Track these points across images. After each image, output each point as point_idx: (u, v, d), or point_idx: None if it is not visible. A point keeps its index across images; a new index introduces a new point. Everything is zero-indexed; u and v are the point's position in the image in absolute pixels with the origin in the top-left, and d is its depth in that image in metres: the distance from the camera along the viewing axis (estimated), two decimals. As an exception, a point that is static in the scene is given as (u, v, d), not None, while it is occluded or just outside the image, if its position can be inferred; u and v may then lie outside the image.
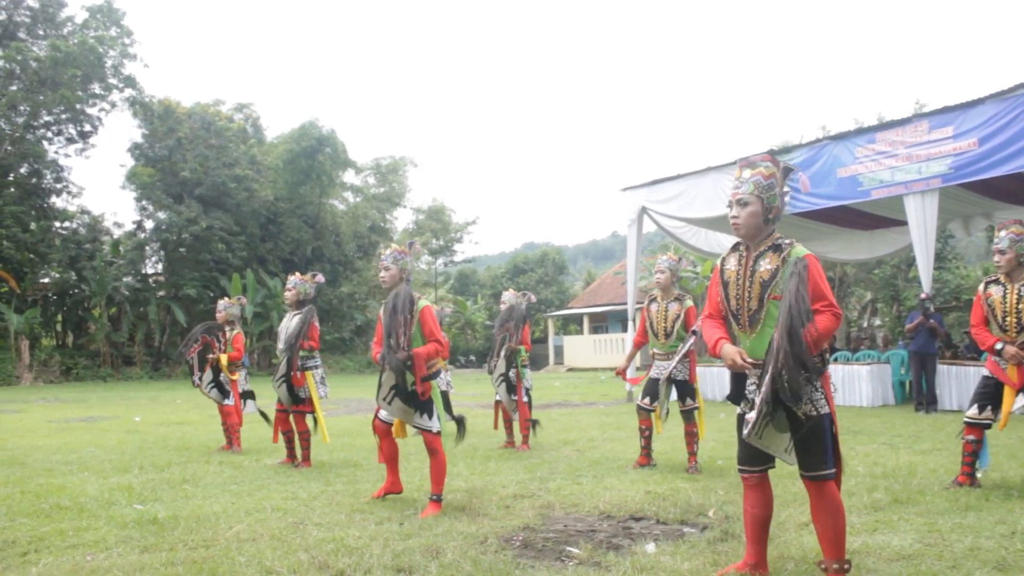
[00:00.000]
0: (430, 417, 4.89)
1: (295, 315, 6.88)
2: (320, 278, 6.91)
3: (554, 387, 19.92)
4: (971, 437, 5.19)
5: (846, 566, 3.03)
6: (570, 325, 38.78)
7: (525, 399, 7.91)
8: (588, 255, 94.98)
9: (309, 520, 4.50)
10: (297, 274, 7.01)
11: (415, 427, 4.99)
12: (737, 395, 3.36)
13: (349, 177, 37.34)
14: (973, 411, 5.26)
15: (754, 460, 3.28)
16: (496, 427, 8.56)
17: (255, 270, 29.86)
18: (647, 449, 6.46)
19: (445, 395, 5.10)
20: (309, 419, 6.86)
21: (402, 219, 49.96)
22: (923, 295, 11.08)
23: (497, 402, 8.28)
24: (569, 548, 3.80)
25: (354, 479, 5.93)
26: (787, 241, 3.18)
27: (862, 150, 11.24)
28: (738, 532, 4.03)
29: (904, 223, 11.19)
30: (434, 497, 4.86)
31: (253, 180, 30.78)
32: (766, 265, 3.14)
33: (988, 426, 5.20)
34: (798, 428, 3.07)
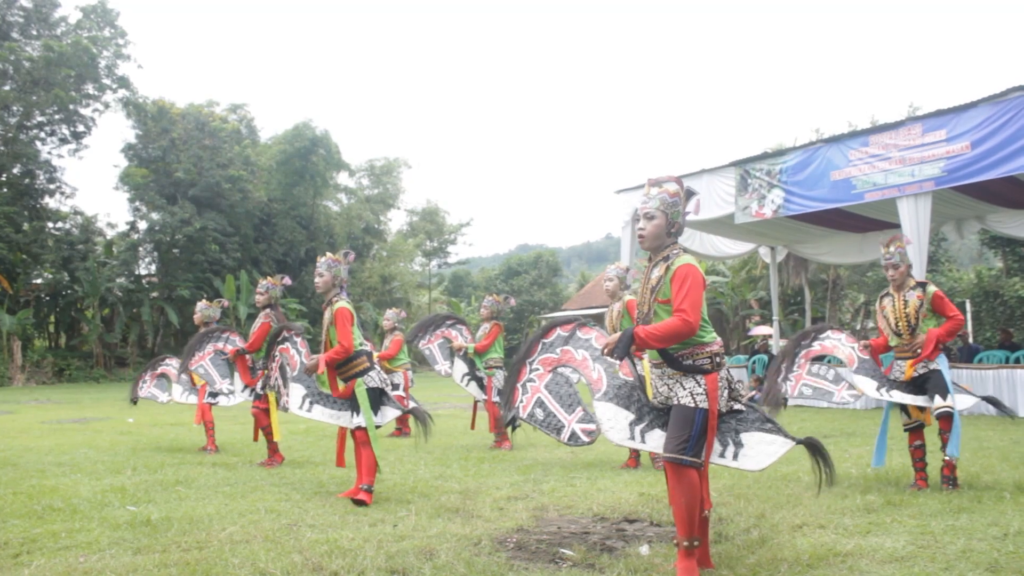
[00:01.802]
0: (357, 414, 5.11)
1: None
2: (287, 280, 7.02)
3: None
4: (918, 443, 5.36)
5: (695, 543, 3.25)
6: (564, 327, 38.70)
7: (496, 399, 8.00)
8: (582, 257, 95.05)
9: (303, 522, 4.49)
10: (268, 278, 7.16)
11: (342, 424, 5.23)
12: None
13: (343, 179, 37.34)
14: (904, 418, 5.45)
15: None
16: (473, 427, 8.86)
17: (249, 271, 29.78)
18: (636, 452, 6.53)
19: (375, 391, 5.19)
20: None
21: (396, 220, 50.07)
22: (916, 297, 11.12)
23: (475, 403, 8.55)
24: (563, 550, 3.81)
25: (348, 481, 5.91)
26: (675, 252, 3.38)
27: (855, 153, 11.27)
28: (731, 534, 4.05)
29: (897, 225, 11.21)
30: (364, 487, 5.02)
31: (247, 181, 30.72)
32: (657, 273, 3.38)
33: (922, 425, 5.38)
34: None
